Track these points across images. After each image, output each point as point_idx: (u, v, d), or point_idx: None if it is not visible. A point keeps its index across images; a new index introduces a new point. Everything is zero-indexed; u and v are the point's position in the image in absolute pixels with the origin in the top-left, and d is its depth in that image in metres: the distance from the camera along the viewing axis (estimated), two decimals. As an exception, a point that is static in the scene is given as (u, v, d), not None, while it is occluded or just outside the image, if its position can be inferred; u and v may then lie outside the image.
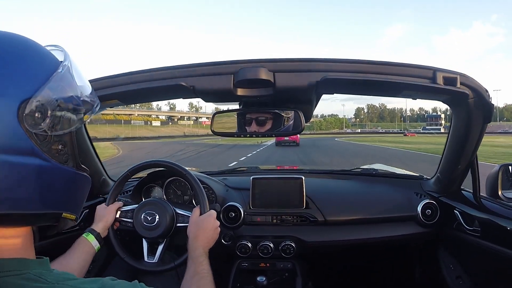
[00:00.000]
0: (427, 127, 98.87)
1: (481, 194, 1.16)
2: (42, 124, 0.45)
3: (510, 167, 1.16)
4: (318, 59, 0.89)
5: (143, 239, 1.14)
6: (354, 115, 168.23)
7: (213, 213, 1.07)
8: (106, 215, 1.11)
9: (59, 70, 0.49)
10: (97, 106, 0.56)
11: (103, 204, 1.15)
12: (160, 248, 1.13)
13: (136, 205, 1.15)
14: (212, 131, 1.11)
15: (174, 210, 1.12)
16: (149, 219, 1.10)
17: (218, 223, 1.07)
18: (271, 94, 0.90)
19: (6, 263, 0.43)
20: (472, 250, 1.16)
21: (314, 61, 0.89)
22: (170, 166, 1.19)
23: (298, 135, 21.15)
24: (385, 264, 1.63)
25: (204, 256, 0.96)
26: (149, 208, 1.11)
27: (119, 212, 1.15)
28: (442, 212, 1.30)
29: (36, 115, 0.44)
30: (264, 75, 0.87)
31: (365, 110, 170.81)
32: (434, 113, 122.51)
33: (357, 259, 1.62)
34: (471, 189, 1.18)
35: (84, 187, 0.55)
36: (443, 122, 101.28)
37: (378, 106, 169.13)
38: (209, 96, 0.99)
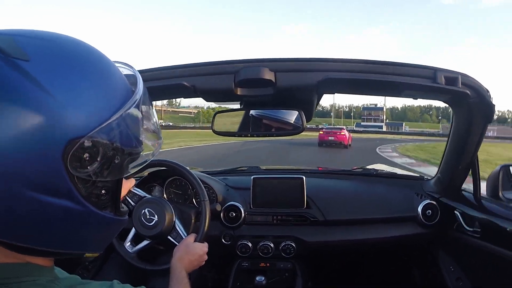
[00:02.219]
0: (362, 124, 74.09)
1: (481, 194, 1.16)
2: (88, 168, 0.38)
3: (511, 168, 1.16)
4: (320, 58, 0.89)
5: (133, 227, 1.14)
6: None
7: (206, 245, 1.05)
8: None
9: (127, 107, 0.41)
10: (158, 149, 0.48)
11: None
12: (143, 243, 1.14)
13: (147, 194, 1.15)
14: (213, 130, 1.11)
15: (175, 221, 1.11)
16: (148, 217, 1.10)
17: (206, 257, 1.04)
18: (272, 94, 0.91)
19: (19, 268, 0.40)
20: (472, 251, 1.16)
21: (316, 61, 0.89)
22: (172, 165, 1.20)
23: (346, 134, 17.45)
24: (385, 264, 1.63)
25: (187, 278, 0.94)
26: (151, 206, 1.11)
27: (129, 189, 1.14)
28: (443, 213, 1.30)
29: (85, 156, 0.38)
30: (265, 74, 0.87)
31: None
32: (373, 105, 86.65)
33: (357, 259, 1.62)
34: (471, 189, 1.18)
35: (117, 230, 0.49)
36: (384, 117, 77.15)
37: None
38: (210, 95, 0.99)
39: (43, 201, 0.37)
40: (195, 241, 1.05)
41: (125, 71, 0.46)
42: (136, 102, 0.42)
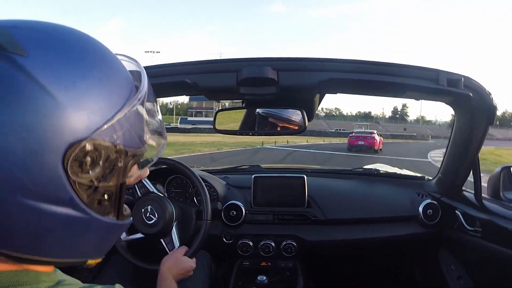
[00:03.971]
0: (190, 119, 59.47)
1: (482, 195, 1.16)
2: (90, 172, 0.36)
3: (511, 169, 1.17)
4: (322, 58, 0.89)
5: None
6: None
7: (194, 261, 1.05)
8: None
9: (131, 105, 0.38)
10: (162, 147, 0.44)
11: None
12: (136, 236, 1.15)
13: (155, 190, 1.15)
14: (215, 128, 1.11)
15: (173, 227, 1.11)
16: (148, 215, 1.10)
17: (192, 273, 1.04)
18: (274, 93, 0.91)
19: (17, 276, 0.37)
20: (473, 250, 1.17)
21: (319, 61, 0.89)
22: (174, 164, 1.20)
23: (377, 138, 16.81)
24: (386, 264, 1.63)
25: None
26: (154, 206, 1.10)
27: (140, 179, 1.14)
28: (444, 213, 1.30)
29: (86, 160, 0.35)
30: (268, 73, 0.87)
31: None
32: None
33: (357, 258, 1.63)
34: (472, 190, 1.18)
35: (119, 233, 0.46)
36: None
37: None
38: (213, 93, 0.99)
39: (42, 210, 0.34)
40: (185, 254, 1.05)
41: (127, 65, 0.43)
42: (141, 100, 0.39)
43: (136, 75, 0.42)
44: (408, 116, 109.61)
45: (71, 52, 0.36)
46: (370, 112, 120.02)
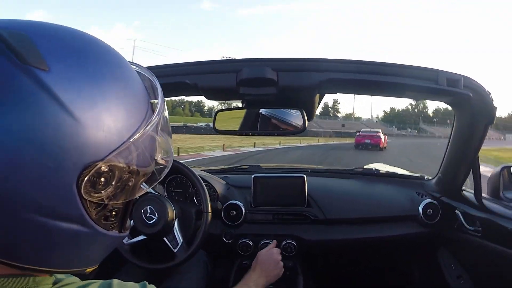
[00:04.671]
0: None
1: (482, 194, 1.16)
2: (102, 192, 0.36)
3: (511, 168, 1.17)
4: (322, 59, 0.89)
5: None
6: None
7: (272, 249, 1.13)
8: None
9: (147, 127, 0.38)
10: (170, 164, 0.45)
11: None
12: (138, 238, 1.14)
13: (152, 190, 1.15)
14: (215, 129, 1.11)
15: (174, 224, 1.12)
16: (148, 215, 1.10)
17: (279, 257, 1.11)
18: (274, 93, 0.91)
19: (15, 280, 0.37)
20: (473, 250, 1.17)
21: (318, 61, 0.89)
22: (173, 164, 1.20)
23: (382, 137, 17.82)
24: (386, 263, 1.64)
25: None
26: (153, 205, 1.10)
27: None
28: (444, 212, 1.30)
29: (101, 180, 0.35)
30: (267, 73, 0.87)
31: None
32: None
33: (357, 258, 1.63)
34: (472, 189, 1.18)
35: (118, 244, 0.48)
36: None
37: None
38: (212, 94, 0.99)
39: (51, 226, 0.34)
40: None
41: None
42: (157, 121, 0.39)
43: (148, 83, 0.42)
44: (340, 112, 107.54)
45: (94, 67, 0.35)
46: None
